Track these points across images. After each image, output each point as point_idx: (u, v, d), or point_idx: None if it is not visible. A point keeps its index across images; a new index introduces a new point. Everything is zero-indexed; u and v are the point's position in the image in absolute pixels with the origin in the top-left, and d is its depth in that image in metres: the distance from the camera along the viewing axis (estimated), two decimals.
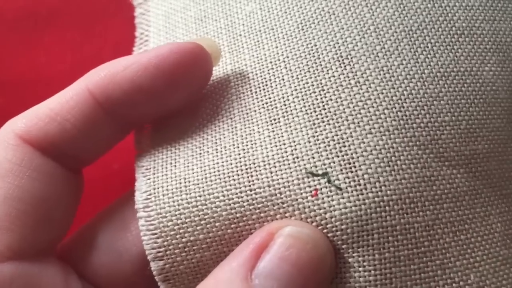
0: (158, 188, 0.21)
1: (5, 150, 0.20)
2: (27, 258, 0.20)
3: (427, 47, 0.22)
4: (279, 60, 0.23)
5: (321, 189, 0.19)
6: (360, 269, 0.19)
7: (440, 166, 0.20)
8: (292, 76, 0.22)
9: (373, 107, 0.20)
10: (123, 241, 0.22)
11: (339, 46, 0.22)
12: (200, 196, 0.20)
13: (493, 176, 0.20)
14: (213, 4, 0.26)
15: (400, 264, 0.19)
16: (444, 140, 0.20)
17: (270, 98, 0.22)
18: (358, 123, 0.20)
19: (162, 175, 0.21)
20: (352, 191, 0.19)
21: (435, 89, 0.21)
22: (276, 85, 0.22)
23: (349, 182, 0.19)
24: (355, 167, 0.20)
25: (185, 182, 0.21)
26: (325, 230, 0.19)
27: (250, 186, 0.20)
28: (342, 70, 0.21)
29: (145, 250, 0.21)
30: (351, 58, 0.22)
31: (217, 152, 0.21)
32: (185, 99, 0.22)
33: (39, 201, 0.20)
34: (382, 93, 0.21)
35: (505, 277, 0.20)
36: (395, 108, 0.20)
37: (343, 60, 0.22)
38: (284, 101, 0.22)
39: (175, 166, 0.22)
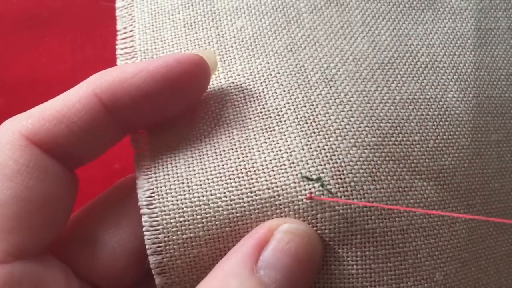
0: (161, 187, 0.22)
1: (12, 151, 0.20)
2: (32, 257, 0.20)
3: (397, 77, 0.26)
4: (270, 75, 0.25)
5: (315, 192, 0.22)
6: (344, 263, 0.22)
7: (412, 179, 0.23)
8: (284, 91, 0.24)
9: (356, 124, 0.24)
10: (116, 237, 0.23)
11: (324, 70, 0.25)
12: (202, 196, 0.22)
13: (459, 188, 0.24)
14: (203, 12, 0.27)
15: (379, 261, 0.22)
16: (415, 156, 0.24)
17: (264, 108, 0.24)
18: (345, 136, 0.23)
19: (164, 175, 0.22)
20: (341, 196, 0.22)
21: (406, 113, 0.25)
22: (270, 97, 0.24)
23: (339, 188, 0.22)
24: (343, 175, 0.22)
25: (188, 182, 0.22)
26: (314, 228, 0.22)
27: (250, 188, 0.22)
28: (328, 90, 0.24)
29: (145, 244, 0.21)
30: (335, 80, 0.25)
31: (216, 155, 0.23)
32: (185, 105, 0.24)
33: (44, 201, 0.20)
34: (363, 113, 0.24)
35: (464, 277, 0.23)
36: (374, 126, 0.24)
37: (328, 81, 0.25)
38: (278, 112, 0.24)
39: (176, 166, 0.23)
